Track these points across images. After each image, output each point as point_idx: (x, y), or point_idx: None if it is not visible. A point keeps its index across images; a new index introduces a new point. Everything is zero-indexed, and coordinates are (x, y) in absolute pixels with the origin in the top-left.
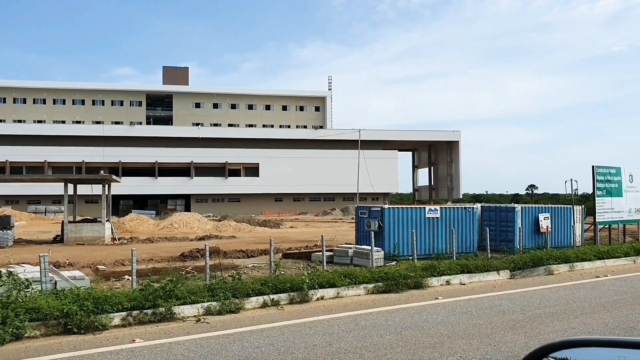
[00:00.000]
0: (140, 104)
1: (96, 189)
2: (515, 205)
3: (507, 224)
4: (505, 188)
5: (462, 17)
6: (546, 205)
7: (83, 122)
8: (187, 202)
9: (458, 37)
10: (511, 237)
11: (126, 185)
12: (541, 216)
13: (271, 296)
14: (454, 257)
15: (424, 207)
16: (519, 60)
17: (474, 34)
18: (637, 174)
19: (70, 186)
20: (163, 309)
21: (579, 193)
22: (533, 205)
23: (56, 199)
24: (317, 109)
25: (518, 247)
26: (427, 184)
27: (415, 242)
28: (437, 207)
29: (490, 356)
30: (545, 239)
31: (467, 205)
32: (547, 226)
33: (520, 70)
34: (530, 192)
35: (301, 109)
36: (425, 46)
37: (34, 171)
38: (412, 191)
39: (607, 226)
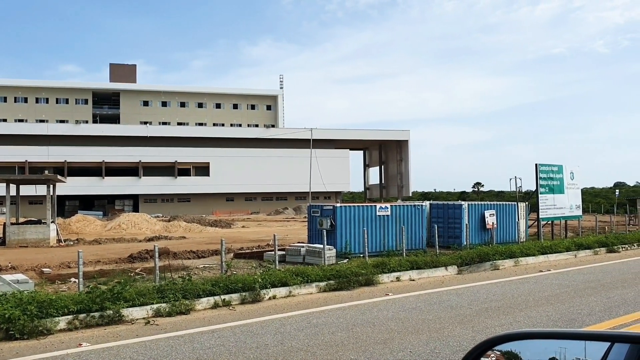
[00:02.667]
0: (86, 102)
1: (40, 190)
2: (463, 202)
3: (455, 221)
4: (453, 186)
5: (409, 17)
6: (492, 203)
7: (26, 121)
8: (135, 202)
9: (407, 38)
10: (459, 234)
11: (72, 186)
12: (487, 213)
13: (222, 296)
14: (404, 253)
15: (375, 206)
16: (465, 60)
17: (421, 35)
18: (578, 172)
19: (13, 187)
20: (111, 312)
21: (523, 190)
22: (479, 202)
23: None
24: (268, 107)
25: (465, 243)
26: (378, 182)
27: (366, 239)
28: (388, 205)
29: (439, 350)
30: (491, 235)
31: (417, 203)
32: (493, 222)
33: (467, 70)
34: (477, 189)
35: (253, 107)
36: (375, 46)
37: None
38: (363, 190)
39: (549, 222)
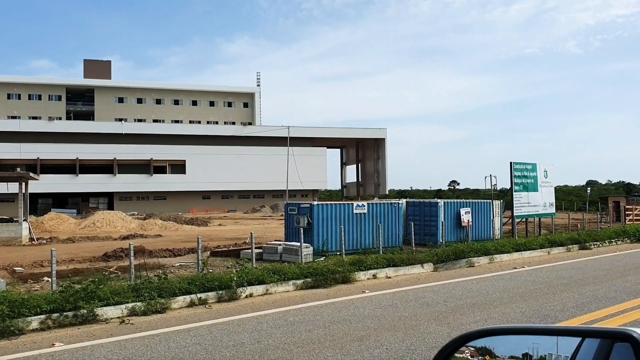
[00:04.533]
0: (59, 98)
1: (12, 187)
2: (439, 200)
3: (431, 219)
4: (429, 184)
5: (385, 16)
6: (467, 200)
7: None
8: (110, 200)
9: (383, 37)
10: (435, 231)
11: (45, 183)
12: (462, 211)
13: (199, 295)
14: (381, 251)
15: (352, 203)
16: (440, 60)
17: (397, 34)
18: (552, 170)
19: None
20: (85, 311)
21: (498, 188)
22: (455, 200)
23: None
24: (245, 105)
25: (441, 240)
26: (355, 180)
27: (343, 237)
28: (365, 203)
29: (415, 347)
30: (467, 232)
31: (393, 200)
32: (468, 220)
33: (442, 70)
34: (453, 187)
35: (229, 105)
36: (351, 45)
37: None
38: (340, 188)
39: (524, 220)
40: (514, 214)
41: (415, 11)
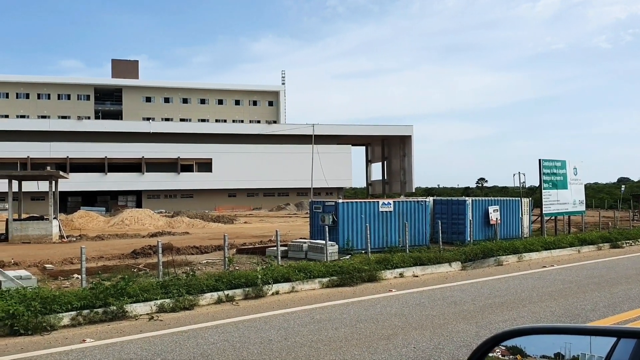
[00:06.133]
0: (88, 97)
1: (43, 186)
2: (466, 198)
3: (459, 217)
4: (456, 181)
5: (410, 12)
6: (495, 198)
7: (28, 117)
8: (138, 198)
9: (408, 33)
10: (462, 230)
11: (74, 182)
12: (491, 209)
13: (226, 292)
14: (407, 250)
15: (378, 201)
16: (466, 56)
17: (422, 30)
18: (581, 167)
19: (15, 183)
20: (114, 308)
21: (527, 186)
22: (483, 198)
23: (0, 196)
24: (270, 103)
25: (469, 239)
26: (381, 178)
27: (369, 235)
28: (391, 201)
29: (443, 346)
30: (495, 230)
31: (420, 199)
32: (497, 218)
33: (468, 66)
34: (481, 185)
35: (254, 103)
36: (376, 42)
37: None
38: (365, 185)
39: (553, 218)
40: (543, 212)
41: (440, 7)
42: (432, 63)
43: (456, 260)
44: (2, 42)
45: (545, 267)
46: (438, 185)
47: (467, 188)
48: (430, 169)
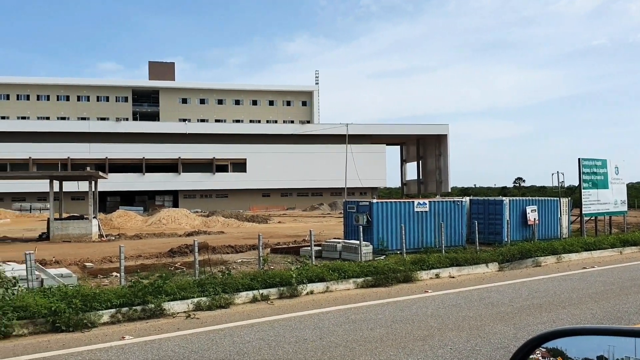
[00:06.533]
0: (126, 99)
1: (82, 186)
2: (503, 198)
3: (496, 217)
4: (493, 181)
5: (445, 10)
6: (533, 198)
7: (68, 118)
8: (175, 198)
9: (443, 31)
10: (499, 230)
11: (113, 182)
12: (528, 209)
13: (261, 291)
14: (443, 250)
15: (413, 201)
16: (503, 54)
17: (458, 28)
18: (623, 166)
19: (56, 183)
20: (152, 306)
21: (566, 185)
22: (520, 197)
23: (41, 196)
24: (304, 103)
25: (506, 239)
26: (416, 177)
27: (404, 236)
28: (426, 201)
29: (480, 347)
30: (533, 231)
31: (456, 198)
32: (535, 218)
33: (505, 64)
34: (518, 184)
35: (288, 103)
36: (411, 40)
37: (19, 168)
38: (400, 185)
39: (593, 218)
40: (583, 212)
41: (476, 5)
42: (467, 61)
43: (493, 261)
44: (43, 46)
45: (585, 268)
46: (474, 184)
47: (504, 188)
48: (466, 168)
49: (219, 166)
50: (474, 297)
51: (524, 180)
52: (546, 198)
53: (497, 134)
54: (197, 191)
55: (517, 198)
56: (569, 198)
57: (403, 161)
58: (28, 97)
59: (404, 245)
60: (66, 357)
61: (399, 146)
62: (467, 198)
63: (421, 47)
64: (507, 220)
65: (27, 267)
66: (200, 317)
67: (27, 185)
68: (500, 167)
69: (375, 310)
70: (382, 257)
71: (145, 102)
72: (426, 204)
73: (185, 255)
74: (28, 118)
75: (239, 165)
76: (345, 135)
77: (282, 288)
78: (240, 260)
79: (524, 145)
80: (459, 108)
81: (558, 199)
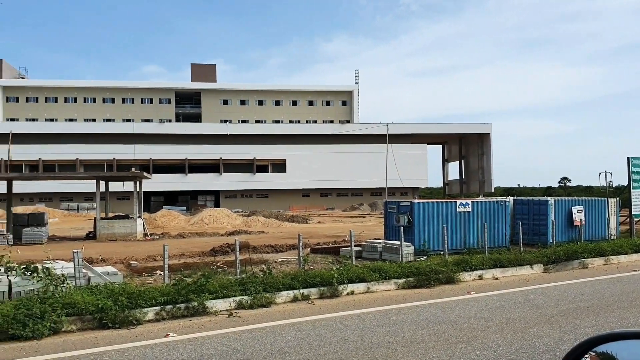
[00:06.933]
0: (169, 101)
1: (127, 186)
2: (548, 198)
3: (540, 218)
4: (537, 181)
5: (486, 8)
6: (580, 198)
7: (113, 120)
8: (216, 197)
9: (484, 29)
10: (544, 231)
11: (157, 182)
12: (574, 209)
13: (301, 290)
14: (486, 251)
15: (455, 202)
16: (546, 51)
17: (499, 25)
18: None
19: (102, 183)
20: (196, 304)
21: (614, 185)
22: (566, 198)
23: (88, 196)
24: (343, 103)
25: (551, 240)
26: (458, 177)
27: (446, 236)
28: (469, 201)
29: (525, 350)
30: (579, 232)
31: (499, 199)
32: (581, 219)
33: (548, 61)
34: (563, 184)
35: (328, 103)
36: (451, 38)
37: (66, 169)
38: (442, 185)
39: None
40: (632, 213)
41: (517, 1)
42: (509, 59)
43: (538, 262)
44: (89, 51)
45: (635, 270)
46: (518, 184)
47: (549, 187)
48: (509, 167)
49: (259, 166)
50: (518, 299)
51: (569, 180)
52: (593, 198)
53: (541, 133)
54: (238, 191)
55: (563, 198)
56: (618, 198)
57: (445, 161)
58: (75, 100)
59: (445, 246)
60: (113, 354)
61: (440, 145)
62: (511, 198)
63: (462, 45)
64: (552, 221)
65: (75, 265)
66: (242, 315)
67: (74, 185)
68: (544, 166)
69: (417, 311)
70: (423, 258)
71: (187, 103)
72: (469, 204)
73: (227, 255)
74: (75, 120)
75: (279, 166)
76: (385, 134)
77: (322, 288)
78: (280, 260)
79: (569, 144)
80: (501, 106)
81: (606, 199)
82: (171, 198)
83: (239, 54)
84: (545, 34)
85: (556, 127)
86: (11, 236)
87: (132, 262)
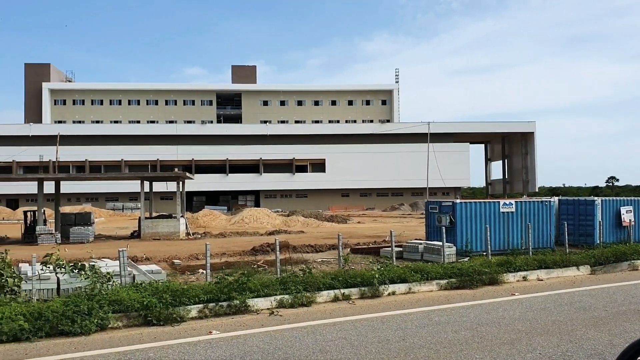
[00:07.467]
0: (210, 103)
1: (171, 186)
2: (595, 198)
3: (587, 218)
4: (583, 180)
5: (530, 4)
6: (629, 198)
7: (157, 122)
8: (256, 197)
9: (528, 25)
10: (591, 232)
11: (199, 182)
12: (623, 209)
13: (342, 290)
14: (530, 252)
15: (498, 202)
16: (593, 47)
17: (544, 22)
18: None
19: (147, 183)
20: (237, 302)
21: None
22: (614, 198)
23: (133, 196)
24: (383, 102)
25: (598, 241)
26: (501, 177)
27: (489, 237)
28: (512, 201)
29: (572, 354)
30: (628, 232)
31: (544, 198)
32: (630, 220)
33: (596, 57)
34: (611, 184)
35: (367, 103)
36: (494, 36)
37: (112, 169)
38: (485, 185)
39: None
40: None
41: None
42: (554, 56)
43: (584, 263)
44: (133, 54)
45: None
46: (563, 184)
47: (596, 187)
48: (554, 167)
49: (299, 166)
50: (564, 300)
51: (617, 180)
52: None
53: (587, 131)
54: (278, 191)
55: (611, 198)
56: None
57: (487, 160)
58: (120, 102)
59: (489, 246)
60: (158, 350)
61: (483, 145)
62: (556, 198)
63: (505, 42)
64: (599, 222)
65: (120, 264)
66: (283, 314)
67: (119, 185)
68: (590, 165)
69: (460, 312)
70: (465, 259)
71: (228, 105)
72: (512, 204)
73: (267, 254)
74: (120, 122)
75: (318, 166)
76: (426, 134)
77: (363, 288)
78: (320, 260)
79: (617, 143)
80: (545, 104)
81: None
82: (212, 198)
83: (279, 55)
84: (592, 30)
85: (604, 126)
86: (59, 235)
87: (175, 260)
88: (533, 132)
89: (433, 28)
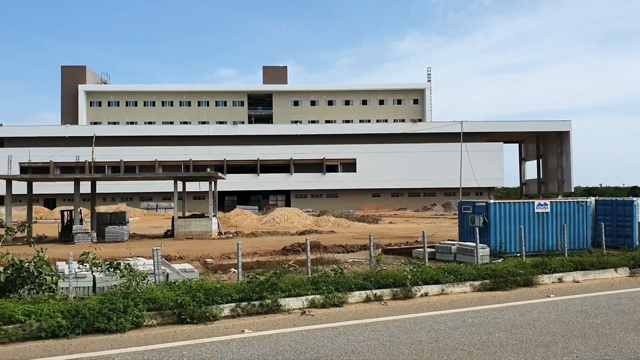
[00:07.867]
0: (242, 103)
1: (203, 186)
2: (634, 198)
3: (625, 219)
4: (621, 180)
5: (565, 1)
6: None
7: (190, 123)
8: (287, 197)
9: (562, 23)
10: (629, 233)
11: (230, 182)
12: None
13: (374, 291)
14: (566, 253)
15: (533, 202)
16: (630, 44)
17: (579, 19)
18: None
19: (180, 183)
20: (269, 301)
21: None
22: None
23: (166, 196)
24: (415, 101)
25: (637, 243)
26: (536, 177)
27: (523, 238)
28: (547, 201)
29: (610, 357)
30: None
31: (580, 199)
32: None
33: (632, 54)
34: None
35: (399, 102)
36: (528, 33)
37: (146, 170)
38: (519, 185)
39: None
40: None
41: None
42: (590, 53)
43: (623, 265)
44: (166, 56)
45: None
46: (600, 184)
47: (635, 187)
48: (591, 167)
49: (329, 166)
50: (602, 303)
51: None
52: None
53: (625, 130)
54: (308, 191)
55: None
56: None
57: (522, 160)
58: (154, 104)
59: (523, 247)
60: (191, 348)
61: (517, 144)
62: (592, 198)
63: (539, 40)
64: (639, 223)
65: (154, 262)
66: (315, 314)
67: (153, 185)
68: (629, 165)
69: (494, 314)
70: (499, 260)
71: (259, 105)
72: (547, 204)
73: (298, 254)
74: (154, 123)
75: (349, 165)
76: (459, 133)
77: (395, 289)
78: (351, 260)
79: None
80: (581, 103)
81: None
82: (244, 197)
83: (309, 55)
84: (630, 26)
85: None
86: (95, 234)
87: (207, 259)
88: (569, 131)
89: (465, 26)
